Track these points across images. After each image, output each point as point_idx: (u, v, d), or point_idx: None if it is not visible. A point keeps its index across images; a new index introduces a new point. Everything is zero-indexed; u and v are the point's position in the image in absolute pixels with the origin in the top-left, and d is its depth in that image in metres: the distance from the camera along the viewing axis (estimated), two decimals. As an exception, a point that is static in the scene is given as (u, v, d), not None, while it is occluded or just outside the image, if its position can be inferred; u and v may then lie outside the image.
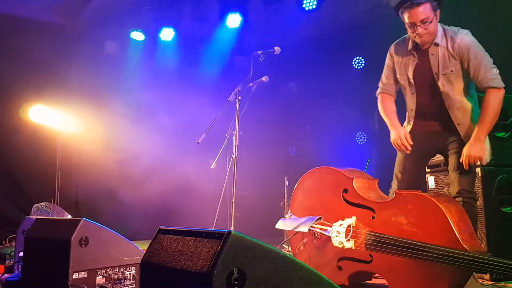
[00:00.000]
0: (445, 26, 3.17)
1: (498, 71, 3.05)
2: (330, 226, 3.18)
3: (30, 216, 3.95)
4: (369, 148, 6.69)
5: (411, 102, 3.32)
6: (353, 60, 6.97)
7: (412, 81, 3.27)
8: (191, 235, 1.80)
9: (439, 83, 3.14)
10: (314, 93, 7.41)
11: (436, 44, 3.12)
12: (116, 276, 2.70)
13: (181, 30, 7.35)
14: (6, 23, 6.52)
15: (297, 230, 3.31)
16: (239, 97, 4.29)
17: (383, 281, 3.30)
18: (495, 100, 3.01)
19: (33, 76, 6.67)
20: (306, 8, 6.66)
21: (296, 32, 7.13)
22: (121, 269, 2.73)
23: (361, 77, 6.79)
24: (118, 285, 2.70)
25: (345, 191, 3.19)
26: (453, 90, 3.12)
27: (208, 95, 6.94)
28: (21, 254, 3.21)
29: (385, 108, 3.43)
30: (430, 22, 3.02)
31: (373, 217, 3.00)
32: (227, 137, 4.36)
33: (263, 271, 1.61)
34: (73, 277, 2.50)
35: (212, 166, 4.34)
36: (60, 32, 6.89)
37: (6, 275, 3.35)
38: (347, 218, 3.12)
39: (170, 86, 7.22)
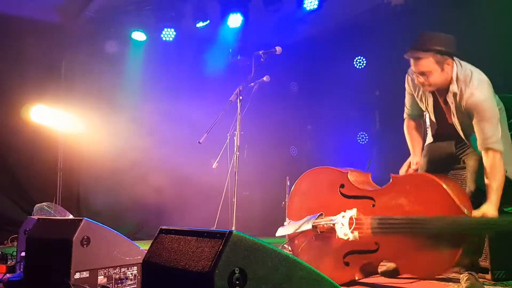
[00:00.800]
0: (459, 68, 2.92)
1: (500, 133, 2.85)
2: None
3: (32, 216, 3.95)
4: (370, 148, 6.70)
5: (431, 125, 3.30)
6: (354, 60, 6.97)
7: (433, 116, 3.18)
8: (193, 235, 1.80)
9: (456, 127, 3.05)
10: (315, 93, 7.42)
11: (455, 94, 2.91)
12: (117, 276, 2.70)
13: (182, 30, 7.35)
14: (6, 23, 6.53)
15: (300, 230, 3.30)
16: (241, 97, 4.29)
17: (383, 281, 3.30)
18: (500, 162, 2.81)
19: (34, 76, 6.68)
20: (307, 8, 6.64)
21: (297, 32, 7.13)
22: (123, 269, 2.73)
23: (362, 76, 6.79)
24: (120, 285, 2.70)
25: (342, 186, 3.19)
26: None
27: (209, 95, 6.94)
28: (23, 254, 3.21)
29: (411, 134, 3.40)
30: (432, 75, 2.87)
31: (373, 205, 3.00)
32: (228, 137, 4.36)
33: (265, 271, 1.61)
34: (74, 277, 2.50)
35: (213, 166, 4.34)
36: (61, 32, 6.89)
37: (8, 275, 3.35)
38: (348, 210, 3.11)
39: (171, 86, 7.23)
